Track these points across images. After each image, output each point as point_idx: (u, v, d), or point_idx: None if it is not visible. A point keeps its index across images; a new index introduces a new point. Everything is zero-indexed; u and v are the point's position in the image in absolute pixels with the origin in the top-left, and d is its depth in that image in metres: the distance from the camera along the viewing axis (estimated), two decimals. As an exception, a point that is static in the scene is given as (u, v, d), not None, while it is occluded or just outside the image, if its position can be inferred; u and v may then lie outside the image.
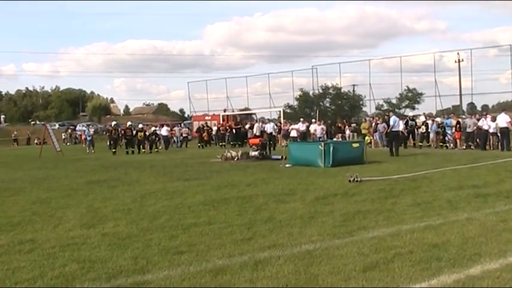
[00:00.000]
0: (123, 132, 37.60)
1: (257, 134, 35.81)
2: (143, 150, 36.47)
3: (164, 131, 42.75)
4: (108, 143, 37.66)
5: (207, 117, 54.39)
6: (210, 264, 6.52)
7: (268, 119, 44.92)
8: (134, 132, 37.05)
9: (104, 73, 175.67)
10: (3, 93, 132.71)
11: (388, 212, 9.67)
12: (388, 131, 25.00)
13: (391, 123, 25.32)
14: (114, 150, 35.55)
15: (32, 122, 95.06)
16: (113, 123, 41.86)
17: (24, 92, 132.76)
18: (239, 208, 10.65)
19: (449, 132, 32.06)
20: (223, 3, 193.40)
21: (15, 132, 69.45)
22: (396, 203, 10.67)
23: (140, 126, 39.02)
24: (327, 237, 7.80)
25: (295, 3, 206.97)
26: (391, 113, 28.44)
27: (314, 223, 8.88)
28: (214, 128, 45.41)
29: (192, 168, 21.33)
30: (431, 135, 32.41)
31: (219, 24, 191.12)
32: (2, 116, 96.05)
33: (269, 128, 37.57)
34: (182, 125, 56.39)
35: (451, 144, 31.51)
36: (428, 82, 55.25)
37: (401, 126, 27.79)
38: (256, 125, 38.90)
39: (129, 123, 42.05)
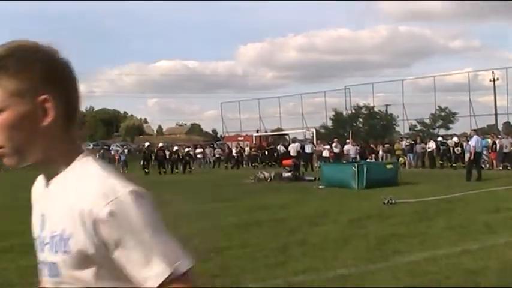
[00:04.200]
0: (156, 152, 38.06)
1: (293, 154, 35.72)
2: (176, 170, 36.73)
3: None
4: (141, 163, 38.03)
5: (239, 138, 54.47)
6: (244, 288, 6.48)
7: (308, 140, 44.82)
8: (168, 152, 37.53)
9: (137, 93, 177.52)
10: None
11: (423, 236, 9.51)
12: (472, 152, 22.73)
13: (473, 143, 22.72)
14: (147, 170, 35.83)
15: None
16: (146, 144, 42.36)
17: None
18: (272, 231, 10.59)
19: (484, 152, 31.53)
20: (255, 25, 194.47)
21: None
22: (431, 226, 10.51)
23: (175, 148, 39.64)
24: (361, 261, 7.69)
25: (327, 24, 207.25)
26: (472, 132, 26.15)
27: (348, 247, 8.77)
28: (247, 149, 45.39)
29: (225, 189, 21.33)
30: (467, 156, 31.87)
31: (252, 45, 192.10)
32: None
33: (308, 148, 37.57)
34: (215, 145, 56.53)
35: (487, 165, 30.99)
36: (462, 101, 54.64)
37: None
38: (292, 145, 38.83)
39: (160, 144, 42.46)
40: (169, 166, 37.15)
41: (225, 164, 43.34)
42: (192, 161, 41.43)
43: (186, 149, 41.96)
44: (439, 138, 36.16)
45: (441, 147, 33.42)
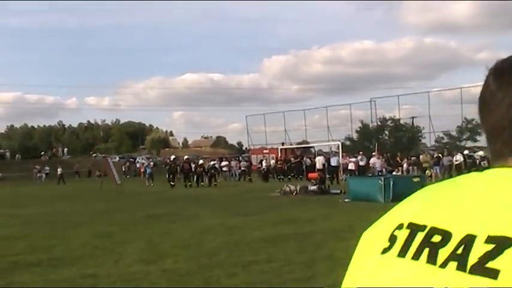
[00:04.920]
0: (181, 165, 38.25)
1: (319, 167, 35.62)
2: (202, 183, 36.83)
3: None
4: (167, 176, 38.22)
5: (264, 151, 54.42)
6: (271, 304, 6.45)
7: (333, 152, 44.67)
8: (193, 165, 37.74)
9: (162, 106, 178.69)
10: (66, 126, 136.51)
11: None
12: None
13: None
14: (172, 183, 35.96)
15: (93, 155, 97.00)
16: (172, 157, 42.59)
17: (85, 125, 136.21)
18: (299, 245, 10.54)
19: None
20: (280, 37, 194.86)
21: (76, 165, 70.77)
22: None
23: (201, 161, 39.78)
24: (389, 277, 7.60)
25: (352, 36, 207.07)
26: None
27: (375, 262, 8.68)
28: (272, 162, 45.25)
29: (250, 203, 21.30)
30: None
31: (276, 58, 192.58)
32: (65, 149, 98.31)
33: (333, 161, 37.43)
34: (240, 158, 56.58)
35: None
36: (490, 113, 53.83)
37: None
38: (318, 158, 38.73)
39: (186, 156, 42.69)
40: (195, 179, 37.28)
41: (249, 177, 43.17)
42: (218, 174, 41.45)
43: (212, 162, 42.04)
44: (466, 151, 35.68)
45: (468, 160, 33.07)
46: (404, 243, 0.99)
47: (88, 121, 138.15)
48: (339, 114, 69.70)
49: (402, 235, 1.01)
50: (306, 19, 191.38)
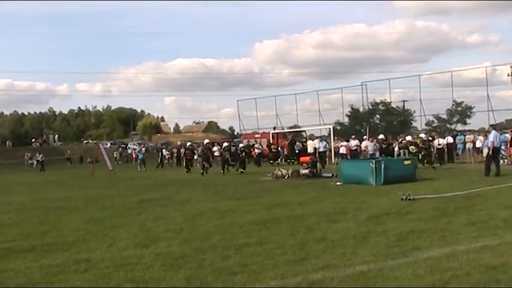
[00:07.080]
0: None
1: (310, 151, 35.62)
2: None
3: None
4: (183, 162, 37.78)
5: (256, 135, 54.33)
6: (263, 285, 6.51)
7: (323, 136, 44.62)
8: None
9: (154, 92, 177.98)
10: (57, 112, 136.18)
11: (442, 232, 9.48)
12: (490, 147, 21.85)
13: (492, 138, 22.51)
14: (199, 169, 34.61)
15: (85, 141, 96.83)
16: (188, 143, 42.57)
17: (77, 111, 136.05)
18: (291, 228, 10.60)
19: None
20: (271, 22, 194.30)
21: (68, 151, 70.60)
22: (451, 222, 10.46)
23: (215, 148, 39.77)
24: (380, 257, 7.68)
25: (343, 20, 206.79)
26: (490, 127, 25.63)
27: (367, 243, 8.77)
28: (256, 146, 44.69)
29: (243, 187, 21.37)
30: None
31: (268, 42, 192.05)
32: (56, 135, 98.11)
33: (321, 146, 37.31)
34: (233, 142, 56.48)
35: (505, 160, 30.73)
36: (480, 96, 53.92)
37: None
38: (309, 142, 38.72)
39: (188, 143, 42.80)
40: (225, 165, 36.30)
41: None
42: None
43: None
44: (458, 138, 35.95)
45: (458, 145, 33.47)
46: None
47: (79, 107, 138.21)
48: (330, 99, 69.67)
49: None
50: (298, 3, 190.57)
